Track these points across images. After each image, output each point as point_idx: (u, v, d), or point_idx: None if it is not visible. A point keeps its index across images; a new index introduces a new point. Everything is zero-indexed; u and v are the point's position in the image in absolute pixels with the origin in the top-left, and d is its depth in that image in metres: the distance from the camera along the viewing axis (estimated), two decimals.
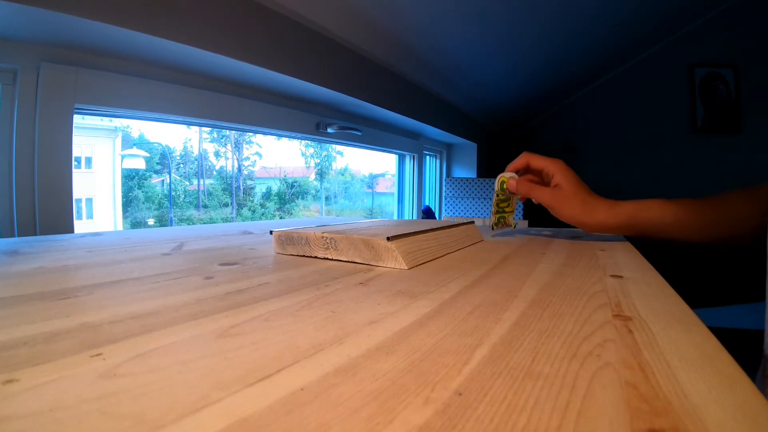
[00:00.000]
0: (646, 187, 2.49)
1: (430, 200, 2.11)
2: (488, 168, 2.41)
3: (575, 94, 2.68)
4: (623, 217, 0.47)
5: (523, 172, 0.55)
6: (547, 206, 0.50)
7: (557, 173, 0.50)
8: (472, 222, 0.55)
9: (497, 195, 0.55)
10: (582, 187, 0.50)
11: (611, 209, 0.48)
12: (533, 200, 0.52)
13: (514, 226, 0.60)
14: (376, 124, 1.49)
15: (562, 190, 0.49)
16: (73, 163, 0.67)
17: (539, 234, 0.61)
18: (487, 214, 1.89)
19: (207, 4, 0.73)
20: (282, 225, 0.74)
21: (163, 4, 0.66)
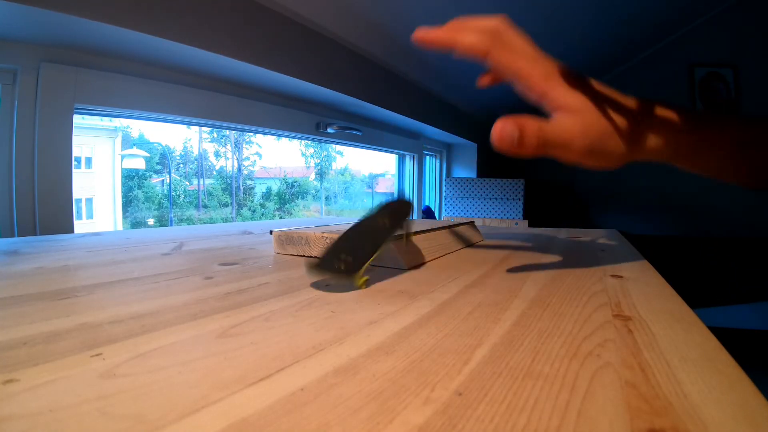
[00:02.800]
0: (646, 186, 2.49)
1: (430, 200, 2.11)
2: (488, 168, 2.41)
3: None
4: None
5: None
6: (579, 157, 0.26)
7: (551, 78, 0.26)
8: (472, 222, 0.55)
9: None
10: (596, 93, 0.26)
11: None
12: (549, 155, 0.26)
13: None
14: (376, 124, 1.49)
15: (586, 117, 0.25)
16: (73, 163, 0.67)
17: (539, 234, 0.61)
18: (487, 214, 1.89)
19: (207, 4, 0.73)
20: (282, 225, 0.74)
21: (163, 4, 0.66)
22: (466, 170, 2.24)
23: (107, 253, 0.40)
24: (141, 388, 0.13)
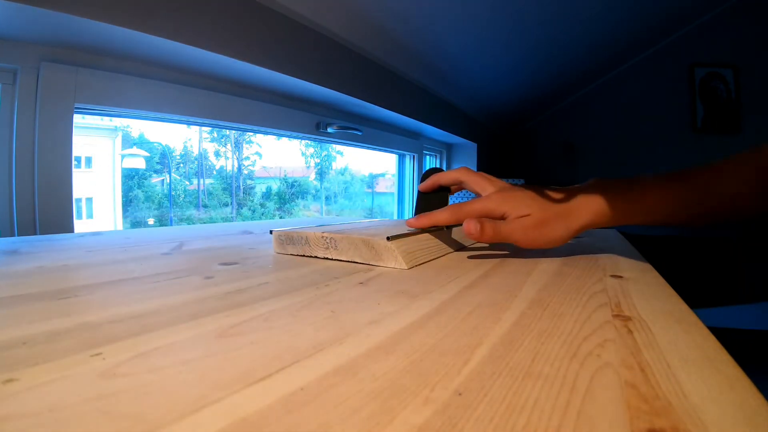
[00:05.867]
0: None
1: None
2: (488, 168, 2.41)
3: (575, 94, 2.68)
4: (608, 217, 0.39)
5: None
6: (526, 245, 0.38)
7: (506, 202, 0.38)
8: None
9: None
10: (542, 200, 0.39)
11: (593, 210, 0.39)
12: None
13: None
14: (376, 124, 1.49)
15: (531, 218, 0.37)
16: (73, 162, 0.67)
17: None
18: None
19: (207, 4, 0.73)
20: (282, 225, 0.74)
21: (164, 4, 0.66)
22: None
23: (107, 252, 0.40)
24: (141, 388, 0.13)
